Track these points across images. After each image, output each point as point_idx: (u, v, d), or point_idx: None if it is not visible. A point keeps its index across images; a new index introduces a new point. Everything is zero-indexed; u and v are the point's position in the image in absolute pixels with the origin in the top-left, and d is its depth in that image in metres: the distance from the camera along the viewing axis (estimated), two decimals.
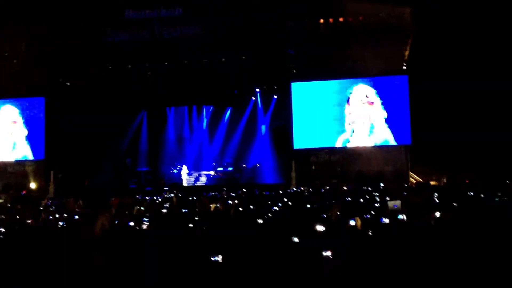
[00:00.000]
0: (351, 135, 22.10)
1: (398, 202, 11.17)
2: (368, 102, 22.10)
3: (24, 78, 22.47)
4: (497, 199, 11.93)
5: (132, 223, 9.39)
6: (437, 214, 8.32)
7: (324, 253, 5.53)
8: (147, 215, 10.80)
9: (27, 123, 23.26)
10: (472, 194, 13.62)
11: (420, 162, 22.00)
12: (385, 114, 21.90)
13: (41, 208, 14.51)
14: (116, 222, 9.07)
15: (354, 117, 22.13)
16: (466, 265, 5.06)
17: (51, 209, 14.12)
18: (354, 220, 8.51)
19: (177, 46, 21.95)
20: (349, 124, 22.14)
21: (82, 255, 5.95)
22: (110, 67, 23.38)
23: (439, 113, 21.08)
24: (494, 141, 19.44)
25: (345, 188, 18.55)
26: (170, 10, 21.49)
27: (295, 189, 19.64)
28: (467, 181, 18.59)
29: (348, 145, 22.19)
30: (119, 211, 12.00)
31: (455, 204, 11.09)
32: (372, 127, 21.96)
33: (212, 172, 24.57)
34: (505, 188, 14.49)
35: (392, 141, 21.85)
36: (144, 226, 8.74)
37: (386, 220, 8.59)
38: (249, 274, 5.36)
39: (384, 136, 21.82)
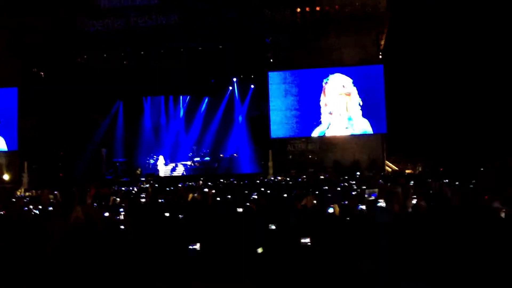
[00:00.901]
0: (328, 128, 22.16)
1: (375, 191, 11.29)
2: (345, 93, 22.18)
3: None
4: (471, 186, 12.11)
5: (107, 214, 9.33)
6: (414, 202, 8.42)
7: (303, 240, 5.57)
8: (123, 205, 10.73)
9: (0, 114, 22.85)
10: (447, 181, 13.79)
11: (395, 151, 22.23)
12: (361, 103, 22.01)
13: (14, 200, 14.31)
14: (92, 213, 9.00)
15: (331, 108, 22.17)
16: (442, 250, 5.13)
17: (25, 200, 13.93)
18: (333, 207, 8.59)
19: (153, 35, 21.76)
20: (326, 115, 22.20)
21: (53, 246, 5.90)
22: (85, 56, 23.11)
23: (415, 102, 21.28)
24: (469, 130, 19.72)
25: (322, 177, 18.65)
26: None
27: (272, 178, 19.66)
28: (441, 169, 18.83)
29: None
30: (95, 202, 11.88)
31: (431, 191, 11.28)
32: (349, 119, 22.04)
33: (189, 162, 24.48)
34: (479, 175, 14.73)
35: (369, 131, 21.99)
36: (121, 217, 8.66)
37: (363, 207, 8.69)
38: (227, 262, 5.35)
39: (361, 127, 21.94)
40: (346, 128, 22.06)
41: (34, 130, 22.48)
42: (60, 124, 22.62)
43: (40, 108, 22.64)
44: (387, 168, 21.97)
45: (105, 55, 23.07)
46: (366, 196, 10.88)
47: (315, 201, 10.43)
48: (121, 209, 9.45)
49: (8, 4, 20.75)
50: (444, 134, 20.57)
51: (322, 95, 22.31)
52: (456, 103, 20.57)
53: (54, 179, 21.43)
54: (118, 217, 8.77)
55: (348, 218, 7.81)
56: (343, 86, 22.19)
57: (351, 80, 22.17)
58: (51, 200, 13.61)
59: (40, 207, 11.16)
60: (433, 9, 20.24)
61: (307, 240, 5.60)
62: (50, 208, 11.06)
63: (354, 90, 22.09)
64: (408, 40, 20.97)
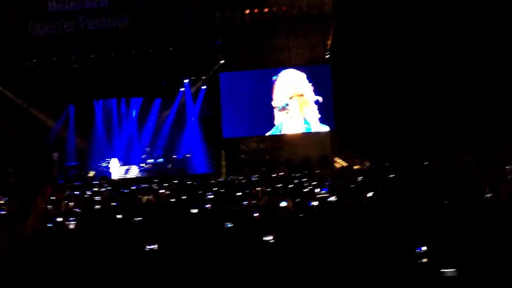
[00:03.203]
0: (282, 127, 22.60)
1: (326, 187, 11.75)
2: (297, 93, 22.67)
3: None
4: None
5: (59, 219, 9.30)
6: (369, 195, 8.85)
7: (265, 238, 5.80)
8: (76, 210, 10.77)
9: None
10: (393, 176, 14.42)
11: (344, 147, 22.80)
12: (319, 100, 22.54)
13: None
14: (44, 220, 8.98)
15: (281, 104, 22.63)
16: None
17: None
18: (286, 201, 8.95)
19: (104, 38, 21.66)
20: (278, 112, 22.64)
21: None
22: (35, 60, 22.81)
23: (361, 99, 21.85)
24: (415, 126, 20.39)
25: (273, 175, 19.06)
26: (95, 2, 21.09)
27: (225, 178, 19.95)
28: (387, 164, 19.51)
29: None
30: (48, 205, 11.83)
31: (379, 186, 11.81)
32: (306, 122, 22.56)
33: (142, 165, 24.46)
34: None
35: (318, 128, 22.58)
36: (72, 225, 8.56)
37: (315, 203, 9.07)
38: (185, 262, 5.55)
39: (315, 127, 22.58)
40: (304, 132, 22.61)
41: None
42: (10, 128, 22.23)
43: None
44: (336, 164, 22.58)
45: (54, 58, 22.81)
46: (316, 192, 11.33)
47: (267, 198, 10.82)
48: (71, 218, 9.38)
49: None
50: (391, 129, 21.19)
51: (272, 92, 22.74)
52: (403, 99, 21.19)
53: (5, 184, 21.10)
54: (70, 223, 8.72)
55: (301, 214, 8.13)
56: (295, 86, 22.65)
57: (304, 76, 22.61)
58: (3, 207, 13.48)
59: None
60: (379, 9, 20.84)
61: (270, 237, 5.84)
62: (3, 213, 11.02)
63: (307, 88, 22.57)
64: (354, 39, 21.52)
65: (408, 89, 20.68)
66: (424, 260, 4.87)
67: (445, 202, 7.91)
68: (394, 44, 21.06)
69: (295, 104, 22.64)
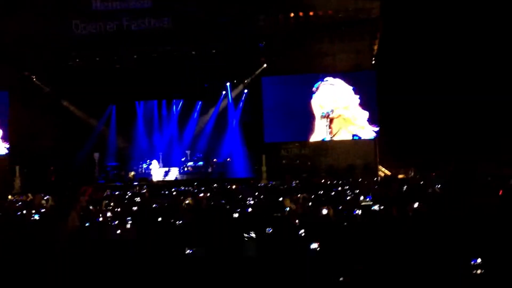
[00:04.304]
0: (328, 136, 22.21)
1: (370, 195, 11.34)
2: (339, 106, 22.23)
3: None
4: None
5: (101, 219, 9.26)
6: (415, 205, 8.44)
7: (312, 246, 5.57)
8: (117, 210, 10.65)
9: None
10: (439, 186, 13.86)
11: (388, 155, 22.26)
12: (356, 108, 22.08)
13: (7, 204, 14.15)
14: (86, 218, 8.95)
15: (326, 115, 22.22)
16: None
17: (18, 205, 13.78)
18: (327, 209, 8.61)
19: (146, 39, 21.67)
20: (321, 119, 22.23)
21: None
22: (78, 60, 22.99)
23: (407, 107, 21.32)
24: (462, 134, 19.83)
25: (315, 182, 18.66)
26: (139, 2, 21.11)
27: (266, 183, 19.65)
28: (433, 174, 18.88)
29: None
30: (89, 205, 11.77)
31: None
32: (348, 124, 22.14)
33: (182, 167, 24.40)
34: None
35: (363, 136, 22.08)
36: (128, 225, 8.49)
37: (358, 212, 8.69)
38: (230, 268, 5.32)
39: (357, 131, 22.10)
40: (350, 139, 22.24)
41: (25, 134, 22.30)
42: (52, 128, 22.45)
43: (32, 111, 22.47)
44: (380, 172, 22.00)
45: (97, 58, 22.95)
46: (360, 200, 10.92)
47: (308, 204, 10.49)
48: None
49: (0, 7, 20.55)
50: (437, 138, 20.63)
51: (316, 100, 22.34)
52: (449, 107, 20.63)
53: (46, 183, 21.27)
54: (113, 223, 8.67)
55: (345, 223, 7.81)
56: (337, 92, 22.18)
57: (350, 89, 22.12)
58: (44, 205, 13.49)
59: (33, 211, 11.05)
60: (426, 13, 20.30)
61: (315, 245, 5.59)
62: (43, 210, 11.00)
63: (352, 100, 22.06)
64: (401, 45, 21.01)
65: (456, 98, 20.12)
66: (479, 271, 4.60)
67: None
68: (442, 50, 20.52)
69: (338, 113, 22.18)
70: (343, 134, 22.22)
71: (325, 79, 22.40)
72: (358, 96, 22.04)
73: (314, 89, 22.35)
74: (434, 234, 6.18)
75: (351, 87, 22.10)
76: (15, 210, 11.39)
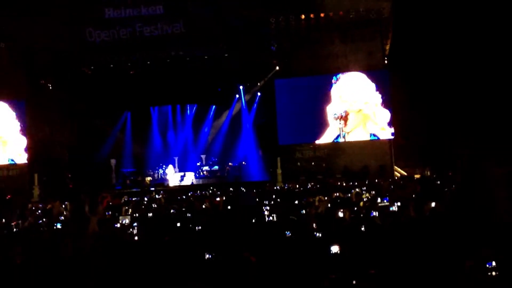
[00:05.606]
0: (343, 136, 22.09)
1: (386, 196, 11.32)
2: (360, 92, 22.04)
3: (4, 80, 22.17)
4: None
5: (118, 225, 9.35)
6: (433, 205, 8.41)
7: (332, 248, 5.60)
8: (136, 216, 10.74)
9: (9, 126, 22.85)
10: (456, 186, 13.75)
11: (403, 155, 22.17)
12: (378, 107, 21.94)
13: (27, 212, 14.30)
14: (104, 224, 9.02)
15: (339, 116, 22.12)
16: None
17: (38, 213, 13.94)
18: (343, 212, 8.61)
19: (159, 45, 21.83)
20: (334, 120, 22.14)
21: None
22: (92, 67, 23.21)
23: (421, 106, 21.23)
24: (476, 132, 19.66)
25: (330, 183, 18.62)
26: (151, 8, 21.27)
27: (282, 185, 19.64)
28: (450, 173, 18.75)
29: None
30: (107, 211, 11.89)
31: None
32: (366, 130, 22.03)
33: (198, 171, 24.49)
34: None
35: (382, 136, 21.96)
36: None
37: (375, 214, 8.68)
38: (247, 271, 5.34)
39: (373, 131, 21.99)
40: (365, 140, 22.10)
41: (43, 142, 22.54)
42: (68, 135, 22.69)
43: (49, 119, 22.74)
44: (396, 173, 21.91)
45: (111, 65, 23.16)
46: (377, 202, 10.89)
47: (324, 207, 10.47)
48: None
49: (15, 16, 20.79)
50: (454, 137, 20.49)
51: (334, 90, 22.21)
52: (463, 105, 20.49)
53: (64, 190, 21.48)
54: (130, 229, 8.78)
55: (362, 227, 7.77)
56: (352, 92, 22.02)
57: (369, 81, 21.97)
58: (63, 212, 13.64)
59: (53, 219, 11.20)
60: (437, 12, 20.20)
61: (336, 248, 5.63)
62: (61, 218, 11.13)
63: (374, 97, 21.98)
64: (413, 44, 20.93)
65: (469, 96, 19.98)
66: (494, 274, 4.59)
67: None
68: (454, 48, 20.39)
69: (354, 112, 22.05)
70: (359, 133, 22.02)
71: (338, 80, 22.29)
72: (380, 96, 21.90)
73: (333, 81, 22.23)
74: (452, 234, 6.13)
75: (374, 84, 21.97)
76: (36, 218, 11.52)
